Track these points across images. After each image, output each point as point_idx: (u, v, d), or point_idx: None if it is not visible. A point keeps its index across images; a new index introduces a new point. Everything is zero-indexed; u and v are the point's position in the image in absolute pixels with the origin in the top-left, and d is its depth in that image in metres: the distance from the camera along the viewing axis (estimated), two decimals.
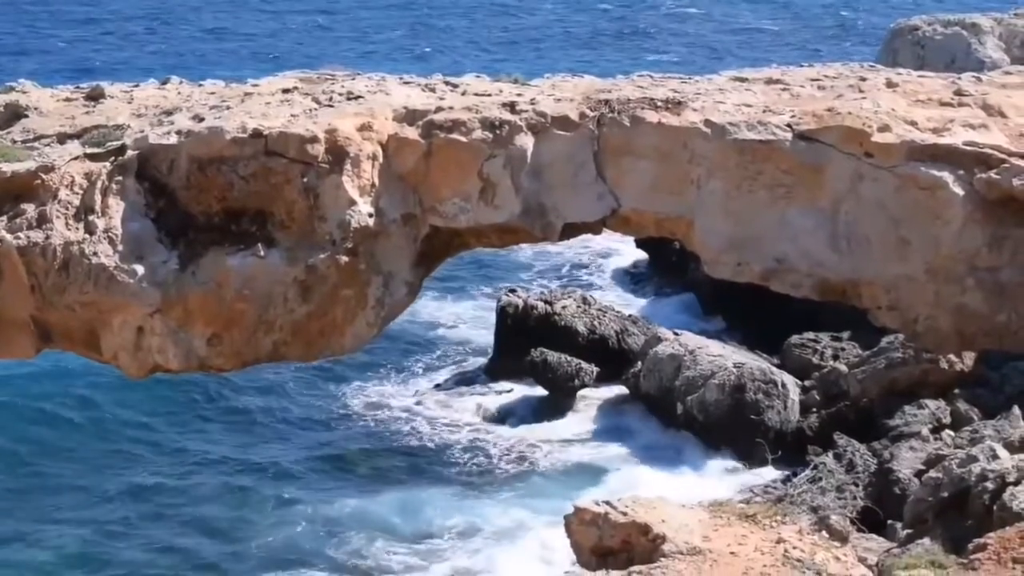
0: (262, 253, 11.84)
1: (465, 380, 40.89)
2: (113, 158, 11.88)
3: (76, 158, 11.87)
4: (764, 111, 12.10)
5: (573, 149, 12.12)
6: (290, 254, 11.88)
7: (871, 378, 31.96)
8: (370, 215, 11.90)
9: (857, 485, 27.64)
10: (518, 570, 26.83)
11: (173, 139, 11.92)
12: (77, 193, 11.69)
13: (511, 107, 12.36)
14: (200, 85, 14.19)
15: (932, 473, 22.42)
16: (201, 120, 12.25)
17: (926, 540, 19.45)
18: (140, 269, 11.67)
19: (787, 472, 31.12)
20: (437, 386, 40.62)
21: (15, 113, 13.03)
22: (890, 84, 12.91)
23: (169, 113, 12.73)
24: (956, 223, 11.10)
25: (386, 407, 38.96)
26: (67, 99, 13.58)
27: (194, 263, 11.88)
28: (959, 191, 11.01)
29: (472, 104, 12.53)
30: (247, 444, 36.74)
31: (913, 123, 11.60)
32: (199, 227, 12.09)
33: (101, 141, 12.05)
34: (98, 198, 11.70)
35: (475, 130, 12.05)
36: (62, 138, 12.39)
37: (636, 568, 12.00)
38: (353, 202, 11.78)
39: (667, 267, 47.47)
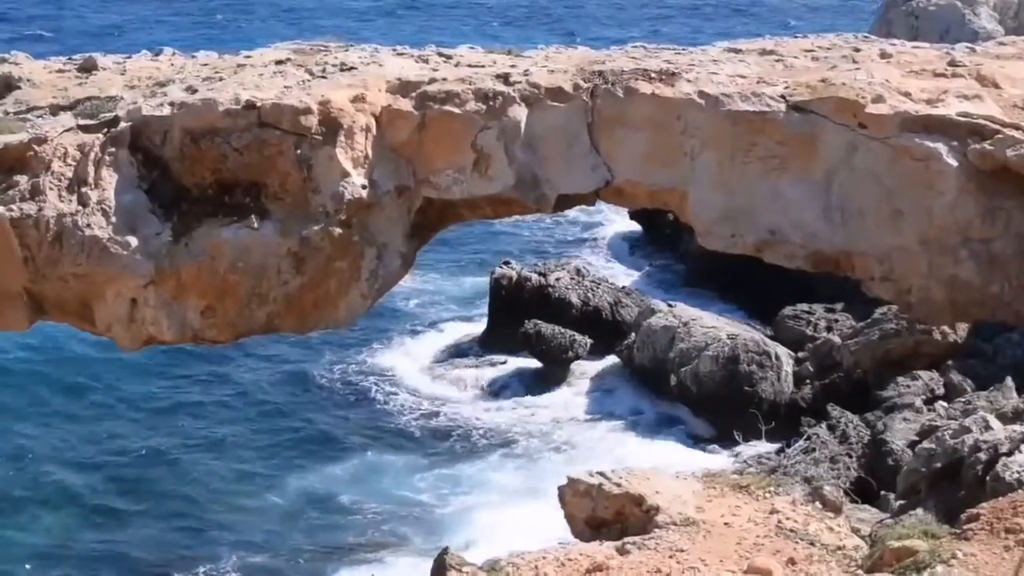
0: (256, 225, 11.83)
1: (459, 352, 40.99)
2: (106, 130, 11.86)
3: (69, 130, 11.84)
4: (758, 82, 12.09)
5: (567, 120, 12.11)
6: (283, 226, 11.87)
7: (864, 349, 32.06)
8: (363, 187, 11.89)
9: (850, 456, 27.75)
10: (512, 541, 26.86)
11: (166, 111, 11.90)
12: (70, 165, 11.66)
13: (505, 79, 12.34)
14: (193, 56, 14.16)
15: (925, 444, 22.51)
16: (194, 92, 12.22)
17: (919, 510, 19.52)
18: (133, 241, 11.66)
19: (780, 443, 31.18)
20: (430, 358, 40.70)
21: (7, 84, 13.00)
22: (884, 55, 12.90)
23: (162, 85, 12.70)
24: (950, 194, 11.11)
25: (379, 379, 39.02)
26: (59, 71, 13.55)
27: (187, 235, 11.87)
28: (953, 162, 11.01)
29: (466, 76, 12.50)
30: (237, 415, 36.78)
31: (907, 94, 11.60)
32: (192, 199, 12.08)
33: (94, 113, 12.03)
34: (91, 170, 11.68)
35: (469, 101, 12.03)
36: (55, 110, 12.36)
37: (630, 539, 12.05)
38: (347, 174, 11.77)
39: (661, 239, 47.54)
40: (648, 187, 12.41)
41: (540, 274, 39.55)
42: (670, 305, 37.10)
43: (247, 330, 12.56)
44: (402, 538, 30.03)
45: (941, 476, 20.70)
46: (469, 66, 12.98)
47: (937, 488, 20.64)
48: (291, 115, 11.69)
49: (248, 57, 13.62)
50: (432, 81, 12.37)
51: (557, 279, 39.03)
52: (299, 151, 11.75)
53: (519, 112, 12.04)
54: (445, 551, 25.46)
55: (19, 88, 12.93)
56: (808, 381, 33.24)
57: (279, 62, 13.18)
